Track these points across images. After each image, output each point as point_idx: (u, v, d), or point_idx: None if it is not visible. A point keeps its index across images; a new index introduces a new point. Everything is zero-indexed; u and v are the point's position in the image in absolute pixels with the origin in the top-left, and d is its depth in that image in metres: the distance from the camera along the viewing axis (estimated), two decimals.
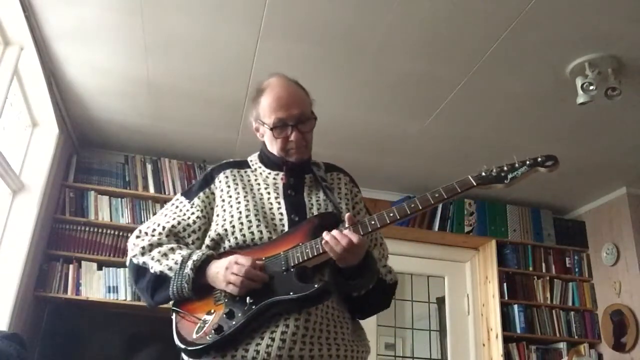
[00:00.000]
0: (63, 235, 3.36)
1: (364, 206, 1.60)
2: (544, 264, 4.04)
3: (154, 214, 3.54)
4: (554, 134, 3.27)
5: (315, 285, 1.26)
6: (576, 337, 3.89)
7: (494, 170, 1.33)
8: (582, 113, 2.95)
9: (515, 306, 3.87)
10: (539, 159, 1.33)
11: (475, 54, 2.61)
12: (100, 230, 3.42)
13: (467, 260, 4.15)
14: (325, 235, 1.29)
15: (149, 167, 3.66)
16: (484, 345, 3.91)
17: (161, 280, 1.38)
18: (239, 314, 1.27)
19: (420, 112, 3.14)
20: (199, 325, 1.32)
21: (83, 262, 3.34)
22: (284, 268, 1.31)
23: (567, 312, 3.97)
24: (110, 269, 3.35)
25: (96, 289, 3.30)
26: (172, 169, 3.69)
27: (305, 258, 1.30)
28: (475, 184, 1.33)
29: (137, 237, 1.49)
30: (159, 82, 2.97)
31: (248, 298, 1.28)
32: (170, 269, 1.37)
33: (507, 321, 3.82)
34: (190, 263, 1.34)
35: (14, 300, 2.87)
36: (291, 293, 1.26)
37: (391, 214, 1.32)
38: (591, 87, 2.58)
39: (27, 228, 3.01)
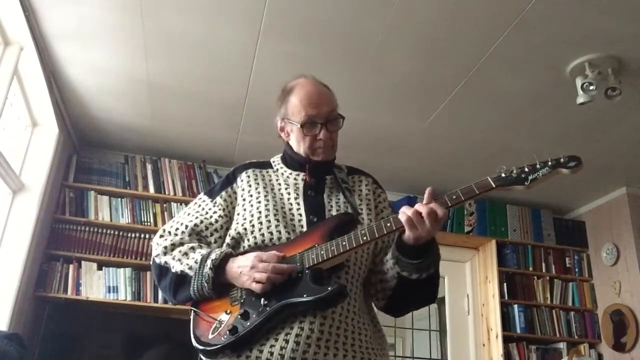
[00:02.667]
0: (63, 235, 3.36)
1: (389, 205, 1.58)
2: (544, 264, 4.04)
3: (154, 214, 3.55)
4: (553, 134, 3.27)
5: (329, 288, 1.25)
6: (576, 337, 3.89)
7: (514, 171, 1.28)
8: (582, 113, 2.95)
9: (515, 306, 3.87)
10: (562, 160, 1.26)
11: (475, 54, 2.61)
12: (100, 230, 3.42)
13: (467, 260, 4.15)
14: (408, 211, 1.27)
15: (148, 167, 3.66)
16: (484, 345, 3.91)
17: (182, 279, 1.39)
18: (254, 315, 1.28)
19: (421, 112, 3.14)
20: (215, 325, 1.32)
21: (83, 262, 3.34)
22: (299, 269, 1.30)
23: (567, 312, 3.97)
24: (110, 269, 3.35)
25: (96, 289, 3.30)
26: (172, 169, 3.69)
27: (320, 260, 1.29)
28: (494, 185, 1.27)
29: (161, 236, 1.50)
30: (159, 82, 2.97)
31: (263, 299, 1.28)
32: (190, 268, 1.38)
33: (507, 321, 3.82)
34: (209, 262, 1.34)
35: (14, 300, 2.87)
36: (305, 295, 1.25)
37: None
38: (591, 87, 2.58)
39: (27, 228, 3.01)
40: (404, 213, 1.27)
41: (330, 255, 1.29)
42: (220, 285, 1.35)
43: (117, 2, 2.40)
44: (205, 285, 1.34)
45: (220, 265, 1.35)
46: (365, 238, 1.29)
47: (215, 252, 1.37)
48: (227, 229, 1.48)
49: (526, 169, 1.28)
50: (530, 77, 2.76)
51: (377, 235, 1.29)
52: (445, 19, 2.39)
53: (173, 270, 1.40)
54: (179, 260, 1.40)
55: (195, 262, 1.37)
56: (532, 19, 2.34)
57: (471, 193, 1.28)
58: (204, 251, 1.39)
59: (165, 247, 1.44)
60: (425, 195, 1.28)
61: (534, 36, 2.46)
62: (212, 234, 1.48)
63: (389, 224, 1.29)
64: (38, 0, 2.40)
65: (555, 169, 1.26)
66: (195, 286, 1.35)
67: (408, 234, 1.28)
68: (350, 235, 1.30)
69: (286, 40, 2.58)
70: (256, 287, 1.29)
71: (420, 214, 1.25)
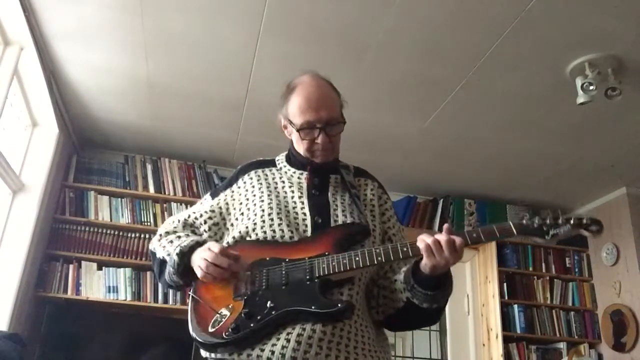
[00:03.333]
0: (63, 235, 3.36)
1: (394, 213, 1.57)
2: (544, 264, 4.05)
3: (154, 214, 3.56)
4: (553, 134, 3.27)
5: (339, 305, 1.25)
6: (576, 337, 3.90)
7: (536, 223, 1.29)
8: (582, 113, 2.95)
9: (515, 306, 3.87)
10: (584, 222, 1.28)
11: (475, 54, 2.61)
12: (100, 230, 3.42)
13: (467, 260, 4.15)
14: (427, 239, 1.26)
15: (148, 167, 3.66)
16: (484, 345, 3.91)
17: (163, 264, 1.44)
18: (258, 317, 1.26)
19: (420, 112, 3.14)
20: (216, 318, 1.31)
21: (83, 262, 3.34)
22: (308, 277, 1.29)
23: (567, 312, 3.98)
24: (110, 269, 3.36)
25: (96, 289, 3.31)
26: (172, 169, 3.69)
27: (332, 271, 1.28)
28: (515, 233, 1.29)
29: (162, 227, 1.56)
30: (159, 82, 2.97)
31: (269, 302, 1.27)
32: (169, 254, 1.41)
33: (507, 321, 3.83)
34: (178, 248, 1.38)
35: (14, 300, 2.87)
36: (313, 306, 1.25)
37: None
38: (591, 87, 2.58)
39: (27, 228, 3.01)
40: (423, 240, 1.26)
41: (342, 269, 1.28)
42: (187, 271, 1.38)
43: (117, 2, 2.40)
44: (171, 269, 1.37)
45: (188, 252, 1.37)
46: (379, 259, 1.28)
47: (189, 239, 1.40)
48: (215, 224, 1.49)
49: (548, 222, 1.29)
50: (530, 77, 2.76)
51: (392, 258, 1.29)
52: (445, 19, 2.39)
53: (158, 256, 1.46)
54: (164, 247, 1.45)
55: (174, 249, 1.40)
56: (532, 19, 2.34)
57: (492, 235, 1.29)
58: (186, 239, 1.42)
59: (160, 235, 1.51)
60: (444, 230, 1.29)
61: (534, 36, 2.46)
62: (200, 226, 1.51)
63: (405, 249, 1.29)
64: (38, 0, 2.40)
65: (577, 229, 1.29)
66: (167, 271, 1.40)
67: (425, 261, 1.27)
68: (365, 251, 1.29)
69: (286, 40, 2.58)
70: (198, 272, 1.33)
71: (439, 242, 1.25)
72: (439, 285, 1.32)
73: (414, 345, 4.11)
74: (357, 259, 1.28)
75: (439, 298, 1.33)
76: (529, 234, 1.29)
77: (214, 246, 1.32)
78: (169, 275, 1.40)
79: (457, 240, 1.25)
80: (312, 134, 1.44)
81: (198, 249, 1.37)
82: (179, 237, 1.45)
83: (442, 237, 1.26)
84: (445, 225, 1.31)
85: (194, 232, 1.49)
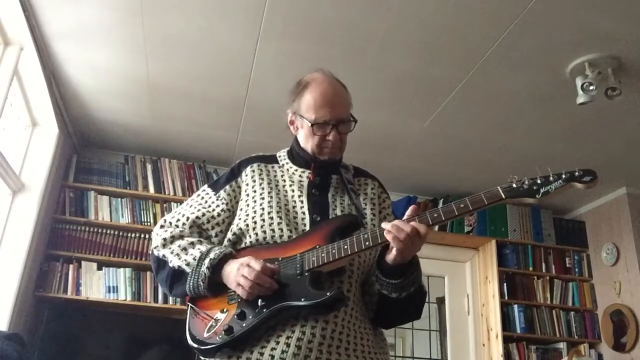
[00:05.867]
0: (63, 235, 3.36)
1: (392, 212, 1.56)
2: (544, 264, 4.04)
3: (154, 214, 3.55)
4: (554, 134, 3.27)
5: (328, 294, 1.22)
6: (576, 337, 3.89)
7: (526, 183, 1.24)
8: (582, 113, 2.95)
9: (515, 306, 3.87)
10: (576, 174, 1.22)
11: (475, 54, 2.61)
12: (100, 230, 3.42)
13: (467, 260, 4.15)
14: (386, 225, 1.24)
15: (149, 167, 3.66)
16: (484, 345, 3.91)
17: (179, 274, 1.37)
18: (250, 316, 1.26)
19: (420, 112, 3.14)
20: (211, 323, 1.31)
21: (83, 262, 3.34)
22: (298, 271, 1.28)
23: (567, 312, 3.97)
24: (110, 269, 3.36)
25: (96, 289, 3.31)
26: (172, 169, 3.69)
27: (321, 262, 1.26)
28: (504, 197, 1.23)
29: (161, 226, 1.48)
30: (159, 82, 2.97)
31: (260, 301, 1.26)
32: (188, 264, 1.36)
33: (507, 321, 3.83)
34: (207, 261, 1.33)
35: (14, 300, 2.87)
36: (303, 299, 1.23)
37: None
38: (591, 87, 2.58)
39: (27, 228, 3.01)
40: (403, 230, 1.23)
41: (331, 259, 1.27)
42: (216, 284, 1.33)
43: (117, 2, 2.40)
44: (201, 284, 1.33)
45: (218, 265, 1.33)
46: (367, 243, 1.26)
47: (215, 250, 1.35)
48: (229, 223, 1.46)
49: (538, 181, 1.24)
50: (530, 77, 2.76)
51: (380, 241, 1.26)
52: (445, 19, 2.39)
53: (170, 265, 1.38)
54: (177, 255, 1.38)
55: (194, 259, 1.35)
56: (532, 19, 2.34)
57: (480, 203, 1.25)
58: (203, 248, 1.37)
59: (165, 239, 1.43)
60: (409, 211, 1.27)
61: (534, 36, 2.46)
62: (213, 228, 1.45)
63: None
64: (38, 0, 2.40)
65: (569, 182, 1.23)
66: (191, 284, 1.34)
67: (395, 254, 1.25)
68: (353, 238, 1.27)
69: (286, 40, 2.58)
70: (240, 291, 1.28)
71: (418, 232, 1.23)
72: (406, 271, 1.30)
73: (414, 345, 4.11)
74: (346, 247, 1.26)
75: (405, 285, 1.31)
76: (518, 195, 1.24)
77: (255, 263, 1.27)
78: (195, 289, 1.34)
79: (422, 229, 1.22)
80: (325, 129, 1.44)
81: (232, 263, 1.32)
82: (192, 243, 1.39)
83: (421, 229, 1.23)
84: (413, 207, 1.29)
85: (200, 234, 1.45)
